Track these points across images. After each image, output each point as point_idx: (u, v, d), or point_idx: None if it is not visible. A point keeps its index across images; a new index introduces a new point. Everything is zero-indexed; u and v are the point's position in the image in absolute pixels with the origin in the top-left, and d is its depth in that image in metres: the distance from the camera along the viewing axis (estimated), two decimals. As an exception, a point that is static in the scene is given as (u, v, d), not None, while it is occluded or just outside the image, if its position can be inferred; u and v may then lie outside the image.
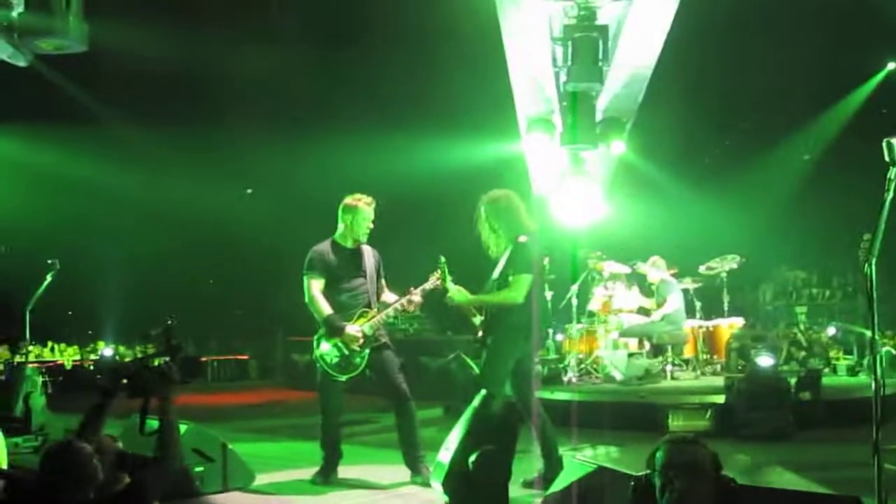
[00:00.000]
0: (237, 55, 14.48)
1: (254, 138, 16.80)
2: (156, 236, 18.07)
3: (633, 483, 3.18)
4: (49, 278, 9.74)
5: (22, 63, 9.44)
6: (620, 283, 11.71)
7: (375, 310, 7.04)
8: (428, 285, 6.88)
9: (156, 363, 3.96)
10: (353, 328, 6.89)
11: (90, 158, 15.38)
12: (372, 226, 7.13)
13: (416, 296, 6.93)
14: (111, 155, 15.81)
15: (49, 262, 9.75)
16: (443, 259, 6.70)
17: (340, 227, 7.16)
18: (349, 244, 7.15)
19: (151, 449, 3.89)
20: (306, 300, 7.12)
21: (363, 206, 7.09)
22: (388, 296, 7.25)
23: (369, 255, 7.22)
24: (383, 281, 7.30)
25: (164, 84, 14.83)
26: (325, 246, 7.15)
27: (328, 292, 7.02)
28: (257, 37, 14.82)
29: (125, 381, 3.96)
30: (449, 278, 6.67)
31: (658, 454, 3.08)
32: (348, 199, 7.13)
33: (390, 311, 7.07)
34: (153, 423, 3.94)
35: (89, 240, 17.08)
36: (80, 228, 16.91)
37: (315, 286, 7.02)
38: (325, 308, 6.94)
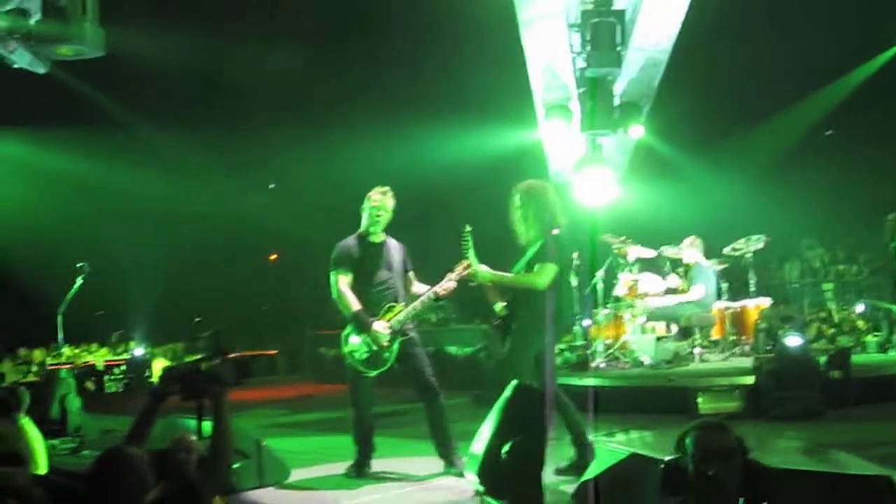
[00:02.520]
0: (255, 54, 14.56)
1: (276, 135, 16.90)
2: (182, 235, 18.21)
3: (662, 465, 3.21)
4: (80, 281, 9.88)
5: (41, 70, 9.54)
6: (648, 273, 11.67)
7: (403, 304, 7.08)
8: (461, 270, 6.86)
9: (206, 366, 3.97)
10: (381, 324, 6.93)
11: (116, 162, 15.55)
12: (388, 216, 7.13)
13: (452, 281, 6.91)
14: (136, 157, 15.99)
15: (79, 265, 9.89)
16: (468, 228, 6.64)
17: (364, 220, 7.21)
18: (375, 238, 7.19)
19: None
20: (334, 296, 7.15)
21: (374, 197, 7.13)
22: (418, 287, 7.27)
23: (396, 250, 7.25)
24: (411, 274, 7.32)
25: (184, 85, 14.93)
26: (351, 241, 7.19)
27: (356, 287, 7.05)
28: (275, 35, 14.89)
29: (177, 384, 3.98)
30: (472, 250, 6.66)
31: (688, 441, 3.12)
32: (370, 193, 7.18)
33: (418, 303, 7.07)
34: (207, 426, 3.98)
35: (117, 242, 17.26)
36: (107, 231, 17.09)
37: (343, 281, 7.06)
38: (354, 303, 6.98)
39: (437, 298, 7.11)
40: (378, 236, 7.20)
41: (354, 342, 7.01)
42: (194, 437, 4.39)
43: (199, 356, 4.11)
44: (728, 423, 3.23)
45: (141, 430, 3.98)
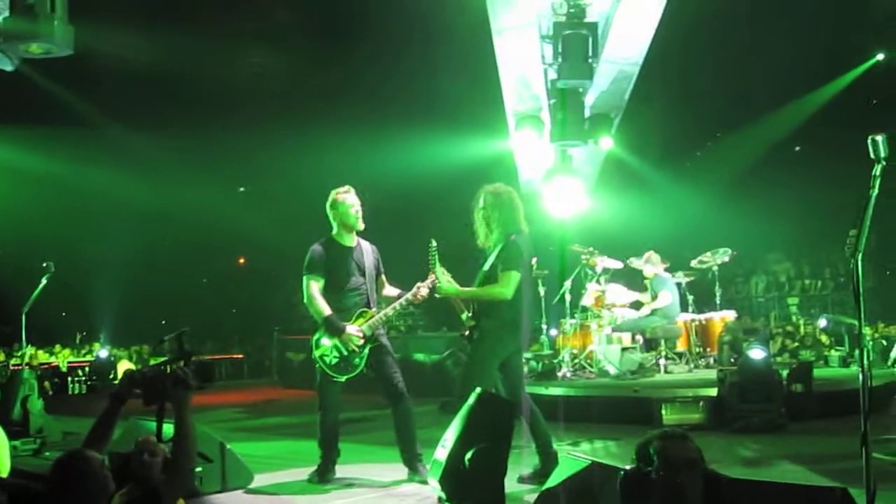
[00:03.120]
0: (229, 56, 14.51)
1: (247, 139, 16.82)
2: (150, 237, 18.11)
3: (622, 473, 3.24)
4: (44, 281, 9.79)
5: (9, 67, 9.46)
6: (615, 284, 11.77)
7: (375, 309, 7.08)
8: (429, 282, 6.88)
9: (169, 369, 3.94)
10: (353, 328, 6.92)
11: (85, 161, 15.44)
12: (359, 211, 7.10)
13: (424, 289, 6.88)
14: (104, 157, 15.87)
15: (44, 265, 9.80)
16: (434, 243, 6.68)
17: (334, 225, 7.21)
18: (346, 242, 7.17)
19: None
20: (305, 300, 7.13)
21: (341, 197, 7.12)
22: (389, 289, 7.27)
23: (368, 253, 7.23)
24: (383, 277, 7.32)
25: (155, 85, 14.84)
26: (323, 245, 7.16)
27: (327, 292, 7.04)
28: (249, 37, 14.85)
29: (139, 388, 3.94)
30: (439, 264, 6.68)
31: (651, 450, 3.15)
32: (331, 197, 7.18)
33: (390, 309, 7.08)
34: (168, 429, 3.95)
35: (83, 241, 17.11)
36: (73, 230, 16.93)
37: (314, 286, 7.03)
38: (325, 308, 6.96)
39: (411, 304, 7.13)
40: (350, 239, 7.19)
41: (326, 345, 6.99)
42: (156, 440, 4.38)
43: (162, 359, 4.08)
44: (689, 433, 3.27)
45: (101, 433, 3.95)
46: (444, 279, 6.68)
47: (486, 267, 6.64)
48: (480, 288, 6.63)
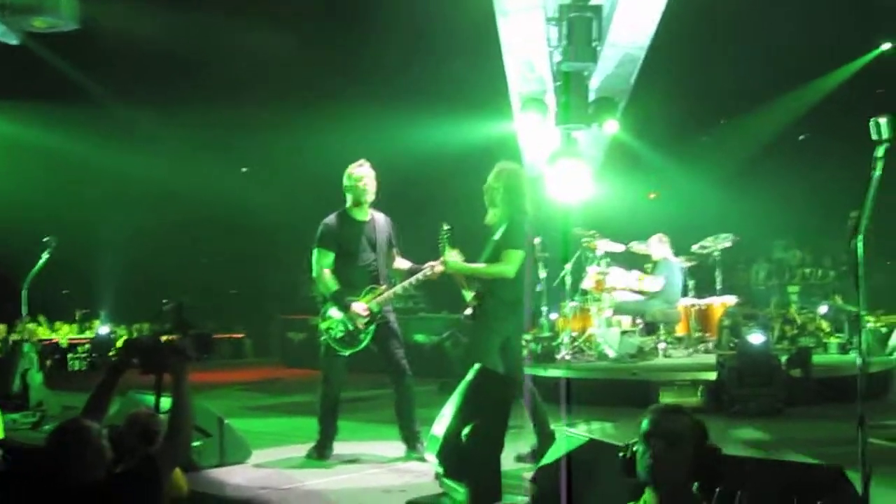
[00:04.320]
0: (234, 33, 14.47)
1: (250, 117, 16.79)
2: (151, 215, 18.09)
3: (620, 453, 3.25)
4: (45, 256, 9.80)
5: (14, 41, 9.47)
6: (617, 267, 11.74)
7: (385, 286, 7.06)
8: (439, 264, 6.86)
9: (167, 339, 3.94)
10: (359, 305, 6.89)
11: (87, 136, 15.40)
12: (367, 184, 7.04)
13: (439, 266, 6.83)
14: (108, 133, 15.83)
15: (45, 239, 9.81)
16: (446, 226, 6.70)
17: (347, 198, 7.15)
18: (359, 216, 7.12)
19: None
20: (314, 274, 7.11)
21: (352, 170, 7.10)
22: (400, 262, 7.23)
23: (381, 227, 7.17)
24: (395, 250, 7.25)
25: (160, 61, 14.80)
26: (335, 218, 7.12)
27: (338, 266, 7.01)
28: (255, 15, 14.80)
29: (137, 357, 3.91)
30: (449, 248, 6.68)
31: (643, 423, 3.17)
32: (348, 169, 7.15)
33: (399, 287, 7.06)
34: (166, 403, 3.93)
35: (85, 218, 17.10)
36: (76, 206, 16.92)
37: (324, 260, 7.03)
38: (333, 283, 6.96)
39: (420, 283, 7.08)
40: (363, 213, 7.13)
41: (334, 317, 6.96)
42: (153, 412, 4.39)
43: (160, 328, 4.09)
44: (685, 408, 3.27)
45: (99, 403, 3.95)
46: (449, 255, 6.68)
47: (490, 245, 6.65)
48: (483, 265, 6.65)
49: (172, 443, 3.77)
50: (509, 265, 6.45)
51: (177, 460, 3.93)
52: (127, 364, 3.97)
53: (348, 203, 7.14)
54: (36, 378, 9.80)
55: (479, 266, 6.68)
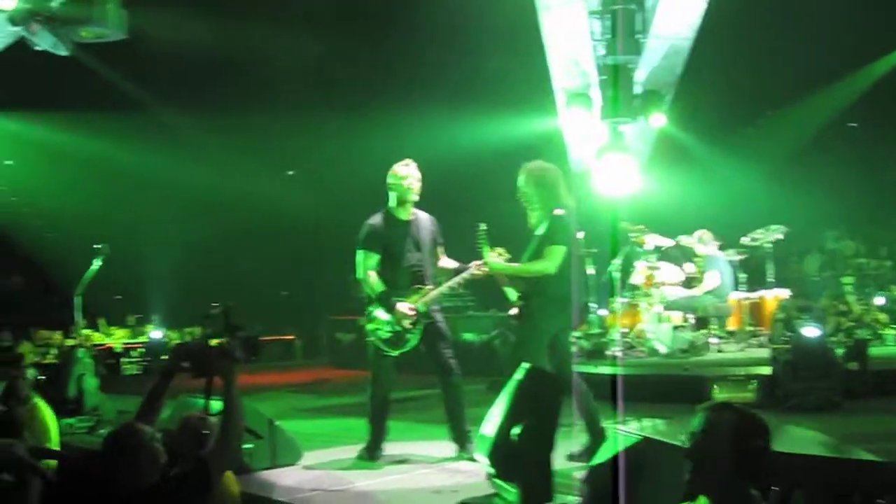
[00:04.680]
0: (278, 39, 14.57)
1: (296, 122, 16.88)
2: (200, 220, 18.28)
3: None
4: (98, 263, 9.93)
5: (64, 52, 9.59)
6: (666, 263, 11.63)
7: (430, 286, 7.02)
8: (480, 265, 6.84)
9: (216, 343, 3.94)
10: (405, 306, 6.86)
11: (135, 144, 15.64)
12: (418, 185, 7.02)
13: (483, 265, 6.79)
14: (157, 141, 16.06)
15: (97, 246, 9.94)
16: (483, 226, 6.67)
17: (391, 197, 7.10)
18: (402, 215, 7.07)
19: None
20: (359, 276, 7.08)
21: (397, 169, 7.05)
22: (445, 261, 7.19)
23: (426, 226, 7.13)
24: (439, 249, 7.22)
25: (204, 67, 14.95)
26: (379, 219, 7.07)
27: (383, 268, 6.97)
28: (298, 20, 14.89)
29: (187, 361, 3.95)
30: (488, 247, 6.65)
31: (695, 421, 3.10)
32: (393, 168, 7.12)
33: (445, 287, 7.02)
34: (217, 405, 3.94)
35: (136, 224, 17.35)
36: (126, 213, 17.17)
37: (369, 261, 7.00)
38: (379, 285, 6.94)
39: (470, 279, 7.03)
40: (406, 213, 7.09)
41: (380, 318, 6.94)
42: (205, 416, 4.42)
43: (209, 331, 4.10)
44: (739, 405, 3.17)
45: (151, 407, 3.98)
46: (490, 256, 6.65)
47: (533, 242, 6.60)
48: (525, 264, 6.60)
49: (223, 445, 3.78)
50: (550, 262, 6.40)
51: (228, 463, 3.95)
52: (177, 368, 4.01)
53: (392, 202, 7.10)
54: (91, 383, 9.92)
55: (520, 267, 6.63)
